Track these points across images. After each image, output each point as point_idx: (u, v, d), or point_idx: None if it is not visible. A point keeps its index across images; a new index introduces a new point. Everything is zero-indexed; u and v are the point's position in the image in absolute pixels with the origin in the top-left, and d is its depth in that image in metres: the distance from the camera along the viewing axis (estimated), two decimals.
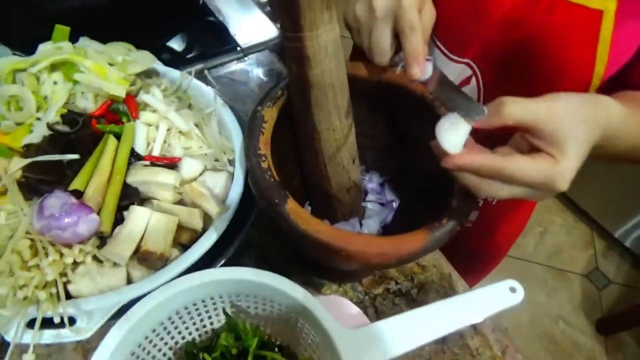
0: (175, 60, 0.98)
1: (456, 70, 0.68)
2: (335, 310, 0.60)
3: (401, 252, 0.49)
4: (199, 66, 0.92)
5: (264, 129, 0.55)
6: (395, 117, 0.66)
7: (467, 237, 0.92)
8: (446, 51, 0.67)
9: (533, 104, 0.43)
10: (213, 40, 1.01)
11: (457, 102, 0.46)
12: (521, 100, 0.43)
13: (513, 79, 0.63)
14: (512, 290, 0.53)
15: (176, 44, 1.02)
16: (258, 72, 0.98)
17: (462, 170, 0.45)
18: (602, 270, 2.11)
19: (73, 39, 0.68)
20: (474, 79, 0.67)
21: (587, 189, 2.09)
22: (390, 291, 0.71)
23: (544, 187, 0.43)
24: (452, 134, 0.46)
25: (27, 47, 0.68)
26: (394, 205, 0.67)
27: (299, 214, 0.49)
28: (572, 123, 0.42)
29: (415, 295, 0.71)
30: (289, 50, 0.52)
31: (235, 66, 0.97)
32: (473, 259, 1.01)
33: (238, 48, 0.98)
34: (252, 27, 1.04)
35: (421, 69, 0.48)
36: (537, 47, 0.59)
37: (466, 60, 0.66)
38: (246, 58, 0.99)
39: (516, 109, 0.42)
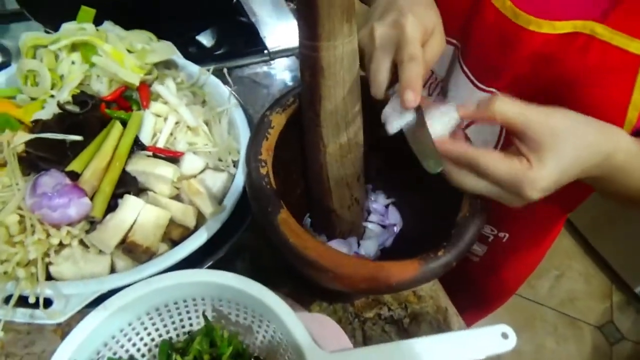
0: (201, 55, 0.98)
1: (481, 99, 0.65)
2: (318, 330, 0.58)
3: (390, 281, 0.46)
4: (222, 64, 0.91)
5: (269, 134, 0.54)
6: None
7: (474, 271, 0.89)
8: (474, 79, 0.65)
9: (528, 110, 0.42)
10: (241, 40, 1.01)
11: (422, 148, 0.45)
12: (517, 103, 0.42)
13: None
14: (504, 336, 0.50)
15: (205, 39, 1.02)
16: (282, 77, 0.97)
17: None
18: (616, 324, 2.02)
19: (101, 21, 0.68)
20: None
21: (611, 239, 2.01)
22: (382, 317, 0.68)
23: (512, 188, 0.42)
24: (439, 122, 0.45)
25: (59, 26, 0.69)
26: (395, 229, 0.65)
27: (290, 226, 0.47)
28: (563, 138, 0.41)
29: (407, 325, 0.68)
30: (304, 58, 0.51)
31: (260, 68, 0.97)
32: (478, 294, 0.98)
33: (265, 51, 0.98)
34: (283, 32, 1.03)
35: (416, 97, 0.46)
36: (567, 85, 0.56)
37: (493, 90, 0.64)
38: (272, 62, 0.98)
39: (507, 108, 0.42)
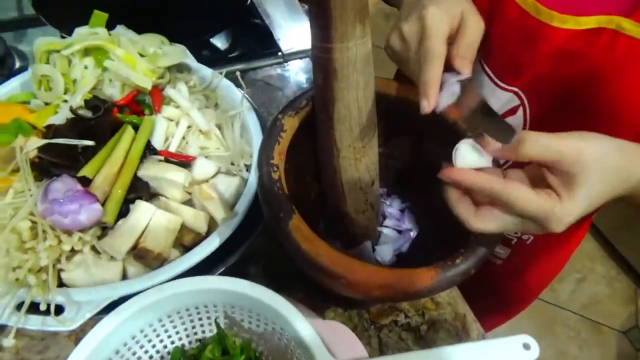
0: (215, 58, 0.98)
1: (503, 99, 0.63)
2: (332, 338, 0.56)
3: (406, 289, 0.45)
4: (236, 66, 0.91)
5: (282, 138, 0.53)
6: (424, 141, 0.62)
7: (496, 274, 0.87)
8: (494, 77, 0.63)
9: (558, 142, 0.39)
10: (255, 43, 1.01)
11: (489, 126, 0.42)
12: (545, 138, 0.39)
13: (562, 114, 0.58)
14: (526, 346, 0.48)
15: (220, 42, 1.02)
16: (296, 80, 0.96)
17: (456, 186, 0.43)
18: None
19: (114, 25, 0.68)
20: (520, 110, 0.63)
21: (635, 241, 1.95)
22: (399, 324, 0.67)
23: (537, 222, 0.40)
24: (468, 160, 0.43)
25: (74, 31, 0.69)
26: (412, 234, 0.64)
27: (302, 232, 0.46)
28: (594, 171, 0.39)
29: (424, 333, 0.66)
30: (317, 60, 0.49)
31: (273, 71, 0.96)
32: (499, 299, 0.96)
33: (279, 53, 0.97)
34: (297, 34, 1.02)
35: (431, 103, 0.45)
36: (592, 83, 0.54)
37: (515, 89, 0.62)
38: (286, 64, 0.97)
39: (538, 149, 0.39)
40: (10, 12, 1.05)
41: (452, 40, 0.50)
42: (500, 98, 0.63)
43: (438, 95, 0.46)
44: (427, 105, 0.45)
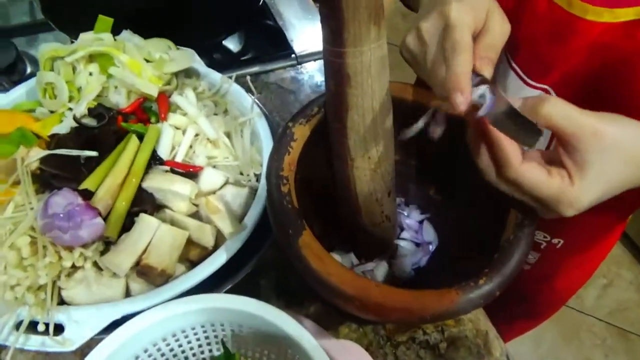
0: (227, 61, 0.96)
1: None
2: (346, 358, 0.54)
3: (424, 313, 0.41)
4: (249, 69, 0.89)
5: (292, 147, 0.50)
6: (445, 149, 0.59)
7: (524, 279, 0.83)
8: (523, 75, 0.59)
9: (581, 116, 0.37)
10: (268, 45, 0.98)
11: (514, 127, 0.39)
12: (569, 107, 0.37)
13: (593, 110, 0.55)
14: None
15: (232, 44, 0.99)
16: (310, 83, 0.93)
17: (482, 129, 0.41)
18: None
19: (125, 28, 0.66)
20: None
21: None
22: (416, 341, 0.63)
23: (547, 204, 0.40)
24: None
25: None
26: (431, 248, 0.60)
27: (312, 249, 0.43)
28: (612, 155, 0.37)
29: (444, 351, 0.63)
30: (328, 65, 0.46)
31: (287, 73, 0.93)
32: (527, 304, 0.93)
33: (292, 55, 0.94)
34: (311, 36, 0.99)
35: (465, 97, 0.40)
36: (628, 78, 0.51)
37: (544, 86, 0.58)
38: (300, 66, 0.95)
39: (558, 113, 0.37)
40: (22, 17, 1.05)
41: (474, 39, 0.46)
42: (528, 95, 0.59)
43: (470, 91, 0.41)
44: (462, 101, 0.39)
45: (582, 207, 0.39)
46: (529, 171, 0.39)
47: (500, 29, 0.47)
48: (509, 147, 0.39)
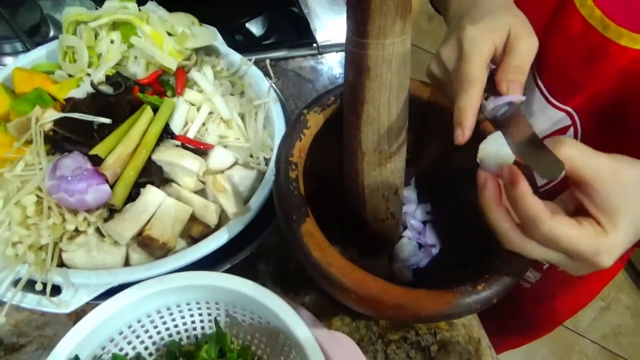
0: (248, 44, 0.95)
1: (554, 118, 0.58)
2: (336, 350, 0.54)
3: (419, 312, 0.41)
4: (268, 54, 0.88)
5: (304, 134, 0.50)
6: (455, 151, 0.58)
7: (523, 297, 0.84)
8: (547, 94, 0.58)
9: (596, 158, 0.36)
10: (290, 32, 0.97)
11: (536, 159, 0.37)
12: (585, 148, 0.36)
13: (617, 138, 0.53)
14: None
15: (255, 28, 0.99)
16: (329, 74, 0.92)
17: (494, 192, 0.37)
18: None
19: (146, 1, 0.66)
20: (572, 130, 0.58)
21: None
22: (408, 341, 0.63)
23: (584, 259, 0.36)
24: (491, 150, 0.38)
25: None
26: (433, 251, 0.60)
27: (314, 238, 0.43)
28: (632, 193, 0.35)
29: (434, 354, 0.62)
30: (350, 55, 0.46)
31: (306, 62, 0.93)
32: (522, 321, 0.93)
33: (314, 44, 0.93)
34: (335, 27, 0.99)
35: (465, 132, 0.41)
36: None
37: (568, 108, 0.57)
38: (320, 56, 0.94)
39: (576, 155, 0.35)
40: None
41: (498, 60, 0.45)
42: (551, 117, 0.58)
43: (473, 125, 0.42)
44: (460, 135, 0.41)
45: (619, 254, 0.37)
46: (563, 224, 0.35)
47: (527, 46, 0.45)
48: (537, 201, 0.35)
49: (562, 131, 0.58)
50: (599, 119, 0.54)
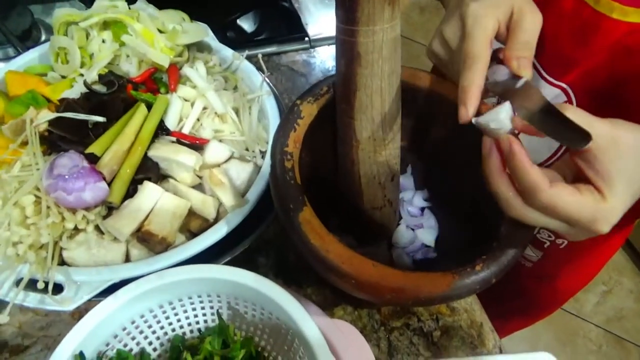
0: (240, 40, 0.95)
1: (549, 95, 0.58)
2: (339, 338, 0.54)
3: (419, 294, 0.42)
4: (261, 50, 0.88)
5: (298, 125, 0.50)
6: (453, 138, 0.59)
7: (525, 276, 0.84)
8: (542, 71, 0.58)
9: (597, 124, 0.36)
10: (282, 26, 0.97)
11: (557, 129, 0.37)
12: (585, 115, 0.36)
13: (612, 115, 0.53)
14: None
15: (246, 24, 0.99)
16: (322, 67, 0.92)
17: (498, 156, 0.38)
18: None
19: None
20: None
21: None
22: (410, 327, 0.63)
23: (583, 225, 0.37)
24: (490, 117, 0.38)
25: None
26: (431, 237, 0.60)
27: (312, 226, 0.44)
28: (631, 159, 0.36)
29: (437, 339, 0.63)
30: (340, 44, 0.46)
31: (298, 56, 0.93)
32: (525, 302, 0.93)
33: (306, 38, 0.94)
34: (326, 20, 0.99)
35: (469, 111, 0.41)
36: None
37: (563, 84, 0.57)
38: (312, 50, 0.94)
39: (578, 119, 0.35)
40: None
41: (504, 37, 0.45)
42: (546, 94, 0.58)
43: (477, 104, 0.42)
44: (464, 114, 0.41)
45: (616, 220, 0.37)
46: (562, 193, 0.36)
47: (531, 22, 0.45)
48: (536, 170, 0.36)
49: None
50: (594, 96, 0.55)
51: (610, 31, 0.49)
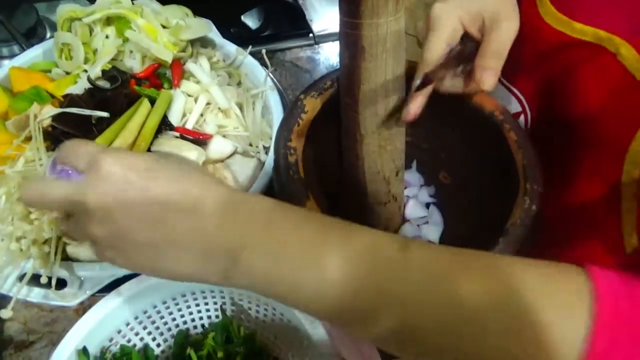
0: (244, 36, 0.95)
1: (505, 99, 0.55)
2: (343, 338, 0.54)
3: None
4: (265, 46, 0.88)
5: (302, 119, 0.49)
6: (456, 133, 0.58)
7: None
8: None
9: None
10: (286, 23, 0.97)
11: None
12: None
13: (558, 124, 0.49)
14: None
15: (250, 20, 0.99)
16: (326, 63, 0.92)
17: None
18: None
19: None
20: (522, 118, 0.55)
21: None
22: None
23: None
24: None
25: None
26: (437, 232, 0.59)
27: None
28: None
29: None
30: (344, 37, 0.46)
31: (303, 53, 0.93)
32: None
33: (310, 34, 0.93)
34: (330, 16, 0.98)
35: (410, 112, 0.45)
36: (579, 108, 0.45)
37: (515, 90, 0.55)
38: (316, 46, 0.94)
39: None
40: None
41: (478, 39, 0.44)
42: (502, 97, 0.56)
43: (419, 106, 0.45)
44: (405, 112, 0.45)
45: None
46: None
47: (505, 31, 0.42)
48: None
49: (516, 116, 0.55)
50: (546, 112, 0.52)
51: (547, 37, 0.47)
